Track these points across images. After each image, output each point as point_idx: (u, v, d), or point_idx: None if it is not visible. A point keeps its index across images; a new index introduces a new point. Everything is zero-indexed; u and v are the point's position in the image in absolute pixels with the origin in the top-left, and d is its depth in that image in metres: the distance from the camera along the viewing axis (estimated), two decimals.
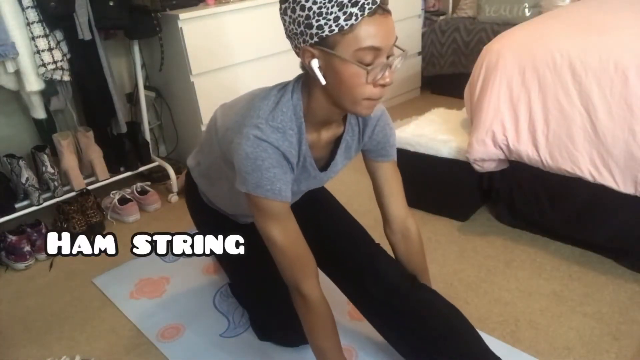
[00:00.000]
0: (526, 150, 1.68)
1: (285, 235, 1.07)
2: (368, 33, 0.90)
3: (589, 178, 1.56)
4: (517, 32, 1.80)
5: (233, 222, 1.47)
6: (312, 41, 0.93)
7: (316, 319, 1.12)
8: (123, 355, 1.47)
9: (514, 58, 1.68)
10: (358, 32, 0.90)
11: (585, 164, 1.56)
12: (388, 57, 0.96)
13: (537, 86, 1.63)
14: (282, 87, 1.08)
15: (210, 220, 1.49)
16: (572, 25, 1.77)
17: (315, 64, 0.95)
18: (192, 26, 2.20)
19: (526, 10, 3.02)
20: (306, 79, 1.05)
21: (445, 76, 3.37)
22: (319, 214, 1.44)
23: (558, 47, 1.60)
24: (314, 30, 0.91)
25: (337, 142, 1.17)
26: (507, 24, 2.83)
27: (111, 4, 1.91)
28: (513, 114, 1.69)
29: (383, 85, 0.97)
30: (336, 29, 0.90)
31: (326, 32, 0.91)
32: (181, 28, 2.17)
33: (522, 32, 1.79)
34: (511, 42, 1.73)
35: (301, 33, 0.94)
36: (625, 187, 1.51)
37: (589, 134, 1.54)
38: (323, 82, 0.96)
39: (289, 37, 0.99)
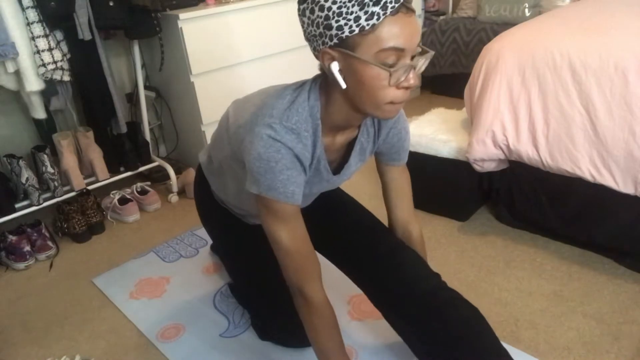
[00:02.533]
0: (526, 150, 1.68)
1: (293, 238, 1.05)
2: (391, 33, 0.86)
3: (589, 178, 1.56)
4: (517, 32, 1.80)
5: (241, 222, 1.45)
6: (332, 43, 0.89)
7: (319, 321, 1.10)
8: (123, 355, 1.47)
9: (514, 58, 1.68)
10: (380, 33, 0.86)
11: (585, 164, 1.56)
12: (412, 58, 0.91)
13: (537, 86, 1.63)
14: (299, 86, 1.04)
15: (218, 218, 1.48)
16: (572, 25, 1.77)
17: (335, 67, 0.91)
18: (192, 26, 2.19)
19: (526, 10, 3.02)
20: (325, 81, 1.01)
21: (445, 76, 3.37)
22: (338, 212, 1.41)
23: (558, 47, 1.60)
24: (334, 32, 0.87)
25: (350, 144, 1.14)
26: (507, 24, 2.83)
27: (111, 4, 1.91)
28: (513, 114, 1.69)
29: (407, 88, 0.92)
30: (357, 30, 0.86)
31: (346, 33, 0.87)
32: (181, 28, 2.17)
33: (522, 32, 1.79)
34: (511, 42, 1.73)
35: (320, 35, 0.90)
36: (625, 187, 1.51)
37: (589, 134, 1.54)
38: (343, 85, 0.92)
39: (307, 39, 0.95)
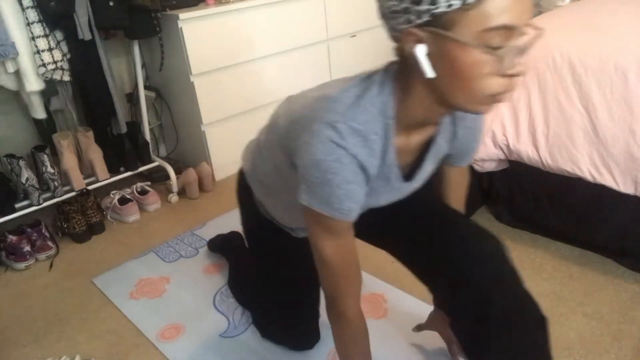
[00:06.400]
0: (526, 150, 1.68)
1: (338, 252, 0.93)
2: (501, 7, 0.67)
3: (589, 178, 1.56)
4: None
5: (286, 234, 1.29)
6: (420, 21, 0.71)
7: (349, 336, 1.03)
8: (123, 355, 1.47)
9: None
10: (487, 7, 0.67)
11: (585, 164, 1.56)
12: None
13: (537, 86, 1.63)
14: (367, 76, 0.87)
15: (261, 230, 1.33)
16: (572, 25, 1.77)
17: (421, 50, 0.73)
18: (192, 26, 2.20)
19: None
20: (401, 70, 0.83)
21: None
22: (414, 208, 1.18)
23: (558, 47, 1.60)
24: (424, 7, 0.69)
25: (425, 145, 0.96)
26: None
27: (111, 4, 1.91)
28: (513, 114, 1.69)
29: (514, 76, 0.73)
30: (458, 3, 0.67)
31: (442, 8, 0.68)
32: (181, 28, 2.17)
33: None
34: None
35: (405, 10, 0.72)
36: (625, 187, 1.51)
37: (589, 134, 1.54)
38: (431, 75, 0.74)
39: (384, 16, 0.77)
